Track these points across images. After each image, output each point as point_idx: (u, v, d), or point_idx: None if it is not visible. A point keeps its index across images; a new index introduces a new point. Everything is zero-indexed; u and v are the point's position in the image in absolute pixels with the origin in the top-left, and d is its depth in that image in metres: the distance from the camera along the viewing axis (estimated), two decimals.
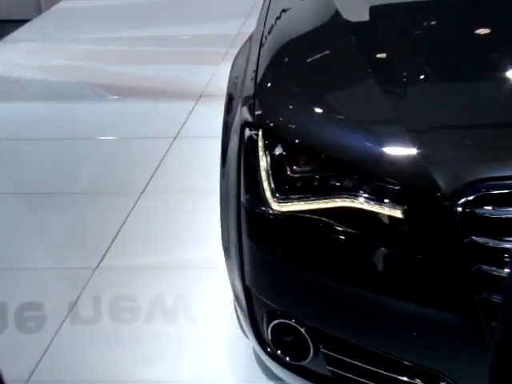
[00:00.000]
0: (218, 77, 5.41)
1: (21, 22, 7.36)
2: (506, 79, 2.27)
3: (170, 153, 4.45)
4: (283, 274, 2.10)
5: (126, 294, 2.99)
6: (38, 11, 7.82)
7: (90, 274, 3.14)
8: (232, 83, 2.80)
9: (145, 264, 3.27)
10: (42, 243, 3.54)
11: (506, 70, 2.31)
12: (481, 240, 1.74)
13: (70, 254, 3.38)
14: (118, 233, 3.50)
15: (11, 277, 3.21)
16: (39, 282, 3.16)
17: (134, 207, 3.72)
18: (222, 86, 4.53)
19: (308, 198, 1.99)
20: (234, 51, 5.71)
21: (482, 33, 2.61)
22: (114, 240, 3.43)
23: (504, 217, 1.74)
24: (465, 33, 2.58)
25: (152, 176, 4.08)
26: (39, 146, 4.64)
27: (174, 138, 4.70)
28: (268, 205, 2.03)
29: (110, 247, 3.41)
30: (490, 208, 1.74)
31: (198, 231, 3.45)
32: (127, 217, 3.64)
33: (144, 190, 3.90)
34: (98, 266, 3.21)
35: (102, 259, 3.28)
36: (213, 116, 4.58)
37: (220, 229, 2.40)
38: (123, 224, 3.57)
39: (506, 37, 2.49)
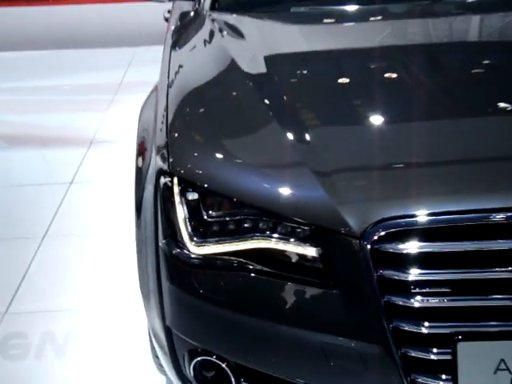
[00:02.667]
0: (106, 123, 5.49)
1: None
2: (403, 124, 2.31)
3: (68, 197, 4.40)
4: (203, 314, 2.08)
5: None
6: None
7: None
8: (141, 134, 2.79)
9: (50, 307, 3.22)
10: None
11: (403, 114, 2.35)
12: (388, 273, 1.78)
13: None
14: (22, 278, 3.40)
15: None
16: None
17: (36, 252, 3.63)
18: (111, 132, 4.59)
19: (224, 240, 1.99)
20: (120, 98, 5.88)
21: (377, 78, 2.63)
22: (20, 285, 3.35)
23: (405, 252, 1.78)
24: (359, 78, 2.63)
25: (52, 221, 4.01)
26: None
27: (70, 183, 4.65)
28: (186, 248, 2.02)
29: (16, 292, 3.32)
30: (394, 244, 1.78)
31: (97, 273, 3.44)
32: (31, 262, 3.55)
33: (45, 235, 3.82)
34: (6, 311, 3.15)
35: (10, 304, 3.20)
36: (106, 161, 4.68)
37: (138, 273, 2.36)
38: (28, 269, 3.48)
39: (398, 82, 2.59)
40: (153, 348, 2.38)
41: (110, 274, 3.40)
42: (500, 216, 1.78)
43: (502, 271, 1.77)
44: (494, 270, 1.77)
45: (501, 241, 1.77)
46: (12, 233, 3.99)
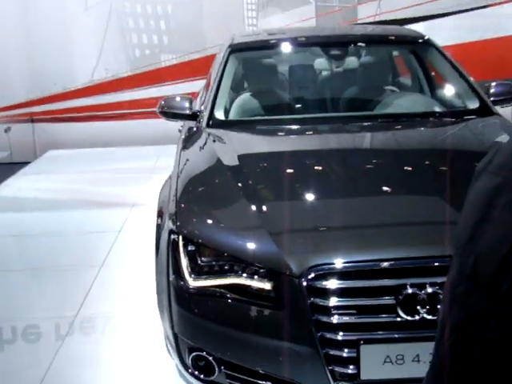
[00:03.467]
0: (146, 189, 6.30)
1: (24, 164, 8.27)
2: (328, 201, 2.82)
3: (118, 241, 5.02)
4: (197, 324, 2.54)
5: None
6: (34, 157, 8.73)
7: None
8: (160, 204, 3.23)
9: None
10: None
11: (327, 196, 2.86)
12: (317, 301, 2.26)
13: None
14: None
15: None
16: None
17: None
18: (149, 197, 5.12)
19: (211, 277, 2.49)
20: (153, 175, 6.74)
21: (311, 170, 3.18)
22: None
23: (327, 287, 2.26)
24: (299, 170, 3.16)
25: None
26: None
27: (119, 232, 5.31)
28: (186, 281, 2.51)
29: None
30: (321, 282, 2.26)
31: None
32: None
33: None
34: None
35: None
36: (144, 217, 5.30)
37: (156, 296, 2.80)
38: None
39: (325, 173, 3.13)
40: (166, 345, 2.81)
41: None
42: (385, 263, 2.29)
43: (388, 299, 2.26)
44: (383, 298, 2.26)
45: (386, 280, 2.29)
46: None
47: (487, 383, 0.83)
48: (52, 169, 8.13)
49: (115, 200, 6.39)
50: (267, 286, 2.39)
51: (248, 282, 2.44)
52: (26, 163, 8.40)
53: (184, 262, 2.57)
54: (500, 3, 9.24)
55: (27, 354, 3.40)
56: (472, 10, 9.31)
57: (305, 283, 2.30)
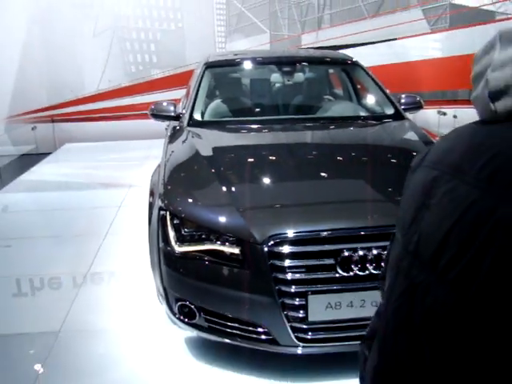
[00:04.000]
0: (140, 173, 6.19)
1: (46, 154, 8.17)
2: (283, 183, 2.75)
3: (119, 214, 4.88)
4: (182, 281, 2.47)
5: None
6: (54, 149, 8.61)
7: None
8: (152, 186, 3.15)
9: None
10: None
11: (283, 178, 2.78)
12: (275, 262, 2.24)
13: None
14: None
15: None
16: None
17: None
18: (143, 180, 4.95)
19: (191, 244, 2.42)
20: (146, 162, 6.61)
21: (270, 158, 3.11)
22: None
23: (283, 251, 2.23)
24: (261, 158, 3.07)
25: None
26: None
27: (119, 207, 5.21)
28: (173, 248, 2.45)
29: None
30: (278, 248, 2.23)
31: None
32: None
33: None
34: None
35: None
36: (139, 195, 5.14)
37: (149, 258, 2.71)
38: None
39: (281, 161, 3.04)
40: (157, 295, 2.72)
41: None
42: (324, 233, 2.25)
43: (329, 260, 2.23)
44: (326, 259, 2.23)
45: (327, 245, 2.24)
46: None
47: (425, 342, 0.76)
48: (68, 158, 8.05)
49: (116, 182, 6.27)
50: (236, 251, 2.33)
51: (221, 248, 2.37)
52: (48, 154, 8.31)
53: (171, 232, 2.49)
54: (405, 37, 9.38)
55: (51, 299, 3.35)
56: (384, 41, 9.45)
57: (266, 249, 2.25)
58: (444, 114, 8.40)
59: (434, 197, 0.81)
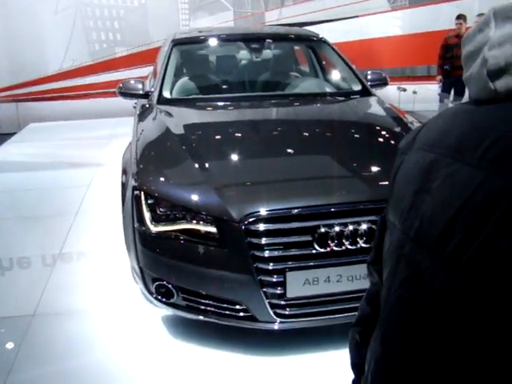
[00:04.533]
0: (108, 151, 6.04)
1: (11, 134, 7.82)
2: (257, 160, 2.67)
3: (88, 193, 4.63)
4: (158, 260, 2.38)
5: None
6: (18, 128, 8.27)
7: None
8: (124, 165, 3.04)
9: None
10: None
11: (256, 155, 2.70)
12: (252, 240, 2.17)
13: None
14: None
15: None
16: None
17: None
18: (110, 158, 4.84)
19: (167, 223, 2.33)
20: (111, 142, 6.49)
21: (242, 134, 3.03)
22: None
23: (259, 229, 2.16)
24: (232, 135, 3.02)
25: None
26: None
27: (88, 186, 5.06)
28: (147, 227, 2.35)
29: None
30: (254, 225, 2.16)
31: None
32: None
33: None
34: None
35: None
36: (108, 174, 4.99)
37: (124, 238, 2.60)
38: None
39: (253, 137, 2.96)
40: (133, 274, 2.63)
41: None
42: (296, 210, 2.20)
43: (306, 236, 2.18)
44: (303, 236, 2.18)
45: (301, 223, 2.19)
46: None
47: (433, 330, 0.71)
48: (33, 138, 7.75)
49: (84, 161, 6.05)
50: (213, 229, 2.25)
51: (197, 227, 2.28)
52: (12, 134, 7.94)
53: (146, 212, 2.39)
54: (365, 15, 9.37)
55: (25, 281, 3.22)
56: (345, 19, 9.42)
57: (243, 227, 2.18)
58: (404, 90, 8.44)
59: (435, 180, 0.76)
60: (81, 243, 3.72)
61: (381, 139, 2.99)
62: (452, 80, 7.20)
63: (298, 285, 2.22)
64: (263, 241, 2.19)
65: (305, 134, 3.05)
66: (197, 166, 2.52)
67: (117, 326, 2.71)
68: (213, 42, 4.30)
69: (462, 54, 0.82)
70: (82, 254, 3.56)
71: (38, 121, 8.52)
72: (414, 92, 8.31)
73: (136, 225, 2.42)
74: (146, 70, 5.98)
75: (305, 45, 4.62)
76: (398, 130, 3.01)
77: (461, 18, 7.00)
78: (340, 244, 2.20)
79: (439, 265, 0.71)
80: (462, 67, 0.83)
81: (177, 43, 4.06)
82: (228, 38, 4.40)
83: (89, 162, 5.97)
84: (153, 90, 3.72)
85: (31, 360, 2.45)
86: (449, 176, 0.73)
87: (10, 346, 2.56)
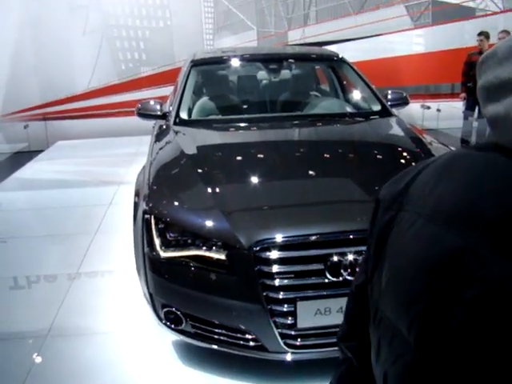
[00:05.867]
0: (130, 170, 5.95)
1: (39, 152, 7.95)
2: (270, 185, 2.55)
3: (112, 207, 4.79)
4: (168, 287, 2.30)
5: None
6: (46, 146, 8.39)
7: None
8: (137, 187, 2.96)
9: None
10: None
11: (269, 180, 2.60)
12: (263, 268, 2.09)
13: None
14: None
15: None
16: None
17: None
18: (132, 177, 4.69)
19: (177, 249, 2.26)
20: (136, 159, 6.34)
21: (256, 159, 2.90)
22: None
23: (270, 257, 2.08)
24: (248, 158, 2.89)
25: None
26: None
27: (109, 204, 5.05)
28: (157, 253, 2.28)
29: None
30: (265, 253, 2.08)
31: None
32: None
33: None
34: None
35: None
36: (131, 192, 4.83)
37: (135, 263, 2.54)
38: None
39: (267, 161, 2.85)
40: (145, 298, 2.51)
41: None
42: (313, 237, 2.10)
43: (318, 265, 2.08)
44: (314, 264, 2.08)
45: (316, 250, 2.09)
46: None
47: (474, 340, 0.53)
48: (59, 155, 7.82)
49: (106, 179, 6.06)
50: (222, 256, 2.16)
51: (207, 254, 2.20)
52: (40, 151, 8.06)
53: (155, 237, 2.32)
54: (388, 33, 9.28)
55: (40, 300, 3.21)
56: (368, 37, 9.33)
57: (252, 254, 2.09)
58: (428, 107, 8.27)
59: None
60: (98, 263, 3.68)
61: (400, 161, 2.86)
62: (476, 98, 7.01)
63: (310, 315, 2.11)
64: (273, 269, 2.10)
65: (321, 156, 2.93)
66: (209, 190, 2.44)
67: (130, 349, 2.65)
68: (232, 62, 4.24)
69: (485, 82, 0.65)
70: (99, 274, 3.52)
71: (66, 138, 8.62)
72: (438, 110, 8.14)
73: (146, 249, 2.35)
74: (170, 90, 5.99)
75: (325, 64, 4.54)
76: (417, 151, 2.91)
77: (482, 34, 6.85)
78: (353, 273, 2.08)
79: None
80: None
81: (195, 64, 4.01)
82: (248, 59, 4.34)
83: (112, 179, 5.98)
84: (171, 110, 3.67)
85: (42, 381, 2.41)
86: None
87: (21, 365, 2.51)
